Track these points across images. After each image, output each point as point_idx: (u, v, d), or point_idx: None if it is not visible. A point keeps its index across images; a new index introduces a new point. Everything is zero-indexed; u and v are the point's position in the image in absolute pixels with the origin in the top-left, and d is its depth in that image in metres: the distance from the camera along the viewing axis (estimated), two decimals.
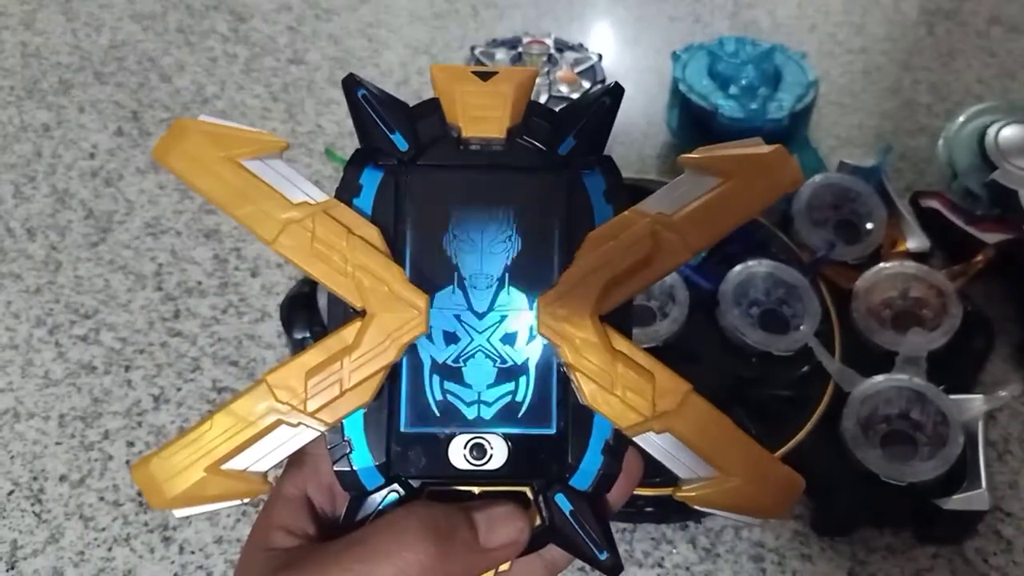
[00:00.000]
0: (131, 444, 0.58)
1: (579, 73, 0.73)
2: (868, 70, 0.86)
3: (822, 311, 0.60)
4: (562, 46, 0.76)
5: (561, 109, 0.33)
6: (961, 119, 0.73)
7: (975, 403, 0.56)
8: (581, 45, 0.77)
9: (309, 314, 0.61)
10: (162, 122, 0.79)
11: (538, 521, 0.31)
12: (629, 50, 0.90)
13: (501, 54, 0.74)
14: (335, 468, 0.31)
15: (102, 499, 0.56)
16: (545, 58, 0.74)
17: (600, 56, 0.76)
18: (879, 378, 0.57)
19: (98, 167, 0.75)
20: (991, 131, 0.70)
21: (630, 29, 0.92)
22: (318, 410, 0.30)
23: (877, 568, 0.54)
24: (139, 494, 0.56)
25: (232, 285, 0.67)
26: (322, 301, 0.60)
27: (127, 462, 0.57)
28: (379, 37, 0.88)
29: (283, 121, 0.79)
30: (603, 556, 0.31)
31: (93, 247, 0.69)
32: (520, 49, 0.75)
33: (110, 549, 0.54)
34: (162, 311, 0.65)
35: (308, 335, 0.60)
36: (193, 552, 0.54)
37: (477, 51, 0.75)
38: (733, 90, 0.73)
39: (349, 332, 0.30)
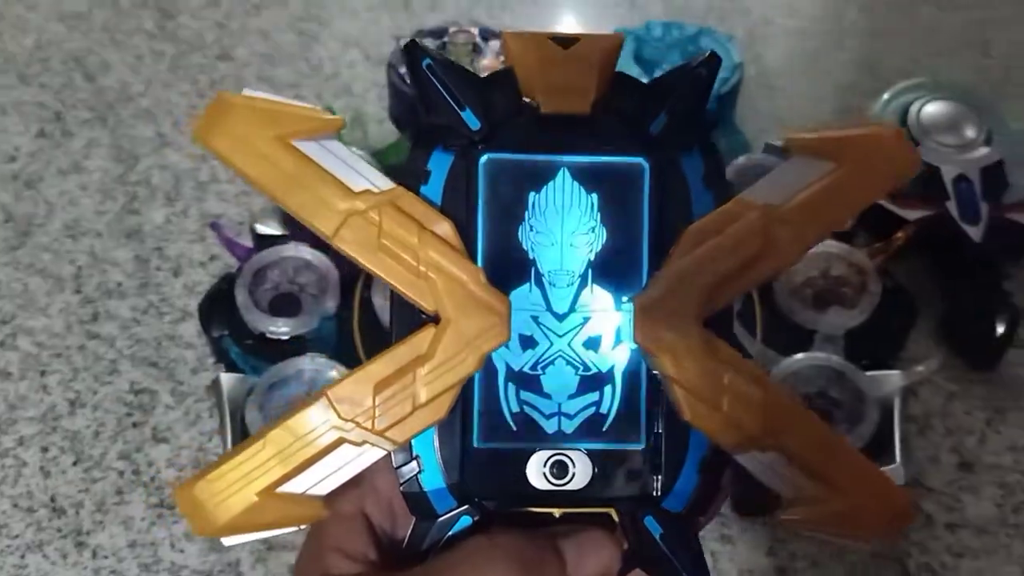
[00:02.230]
0: (45, 450, 0.57)
1: (504, 62, 0.73)
2: (801, 52, 0.86)
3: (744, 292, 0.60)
4: (488, 35, 0.75)
5: (652, 81, 0.30)
6: (886, 96, 0.73)
7: (893, 379, 0.56)
8: None
9: (228, 312, 0.60)
10: (85, 122, 0.78)
11: (624, 545, 0.29)
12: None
13: (426, 44, 0.73)
14: (403, 490, 0.28)
15: (16, 506, 0.55)
16: (470, 47, 0.74)
17: None
18: (797, 357, 0.57)
19: (19, 170, 0.74)
20: (914, 108, 0.70)
21: (568, 16, 0.92)
22: (387, 428, 0.27)
23: (797, 547, 0.54)
24: (52, 499, 0.55)
25: (153, 285, 0.66)
26: (240, 297, 0.59)
27: (41, 468, 0.56)
28: (309, 31, 0.87)
29: None
30: None
31: (12, 251, 0.68)
32: (446, 39, 0.74)
33: (23, 556, 0.53)
34: (80, 314, 0.64)
35: (226, 333, 0.59)
36: (106, 557, 0.53)
37: (402, 42, 0.74)
38: (658, 74, 0.73)
39: (421, 340, 0.27)
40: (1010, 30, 0.88)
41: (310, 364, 0.56)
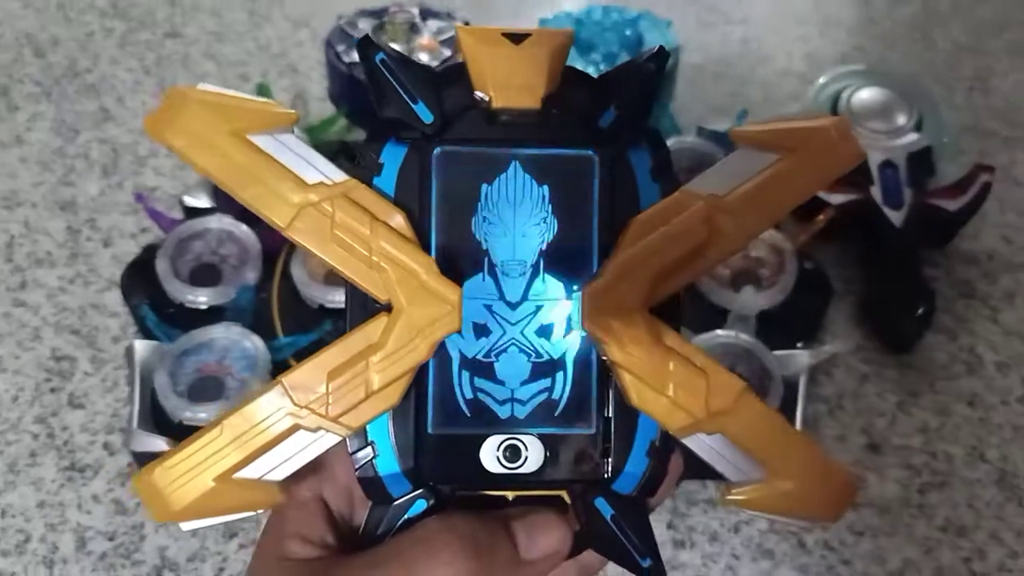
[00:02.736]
0: None
1: (442, 42, 0.73)
2: (746, 39, 0.87)
3: None
4: (428, 15, 0.76)
5: (601, 76, 0.30)
6: (822, 81, 0.73)
7: (800, 358, 0.57)
8: (448, 14, 0.76)
9: (147, 281, 0.60)
10: (30, 96, 0.78)
11: (576, 526, 0.30)
12: (504, 19, 0.90)
13: (364, 23, 0.74)
14: (358, 475, 0.29)
15: None
16: (408, 27, 0.74)
17: (467, 23, 0.76)
18: (707, 335, 0.57)
19: None
20: (845, 94, 0.71)
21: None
22: (341, 414, 0.27)
23: (696, 521, 0.54)
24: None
25: (83, 256, 0.67)
26: (161, 267, 0.60)
27: None
28: (260, 11, 0.88)
29: (153, 94, 0.79)
30: (645, 563, 0.29)
31: None
32: (385, 18, 0.75)
33: None
34: (9, 282, 0.65)
35: (145, 302, 0.60)
36: (14, 516, 0.53)
37: (342, 21, 0.75)
38: (594, 57, 0.73)
39: (374, 329, 0.28)
40: (955, 24, 0.88)
41: (223, 333, 0.56)
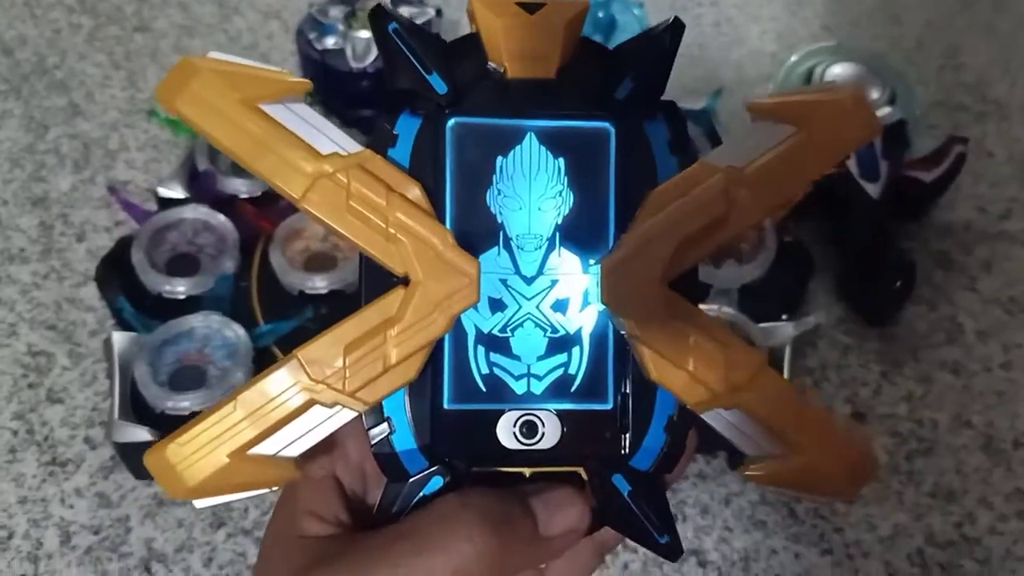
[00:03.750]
0: None
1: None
2: (718, 21, 0.87)
3: None
4: (399, 1, 0.75)
5: (616, 48, 0.29)
6: (794, 59, 0.74)
7: (783, 329, 0.57)
8: (421, 0, 0.76)
9: (122, 273, 0.59)
10: None
11: (593, 502, 0.29)
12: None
13: (336, 11, 0.73)
14: (374, 451, 0.28)
15: None
16: None
17: (439, 10, 0.75)
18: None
19: None
20: (818, 70, 0.71)
21: None
22: (358, 389, 0.27)
23: (687, 495, 0.54)
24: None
25: (56, 251, 0.65)
26: (136, 258, 0.59)
27: None
28: (229, 3, 0.87)
29: (123, 88, 0.78)
30: (663, 539, 0.29)
31: None
32: (356, 4, 0.74)
33: None
34: None
35: (123, 294, 0.59)
36: None
37: (313, 9, 0.74)
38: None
39: (391, 302, 0.27)
40: (923, 2, 0.89)
41: (203, 321, 0.56)
